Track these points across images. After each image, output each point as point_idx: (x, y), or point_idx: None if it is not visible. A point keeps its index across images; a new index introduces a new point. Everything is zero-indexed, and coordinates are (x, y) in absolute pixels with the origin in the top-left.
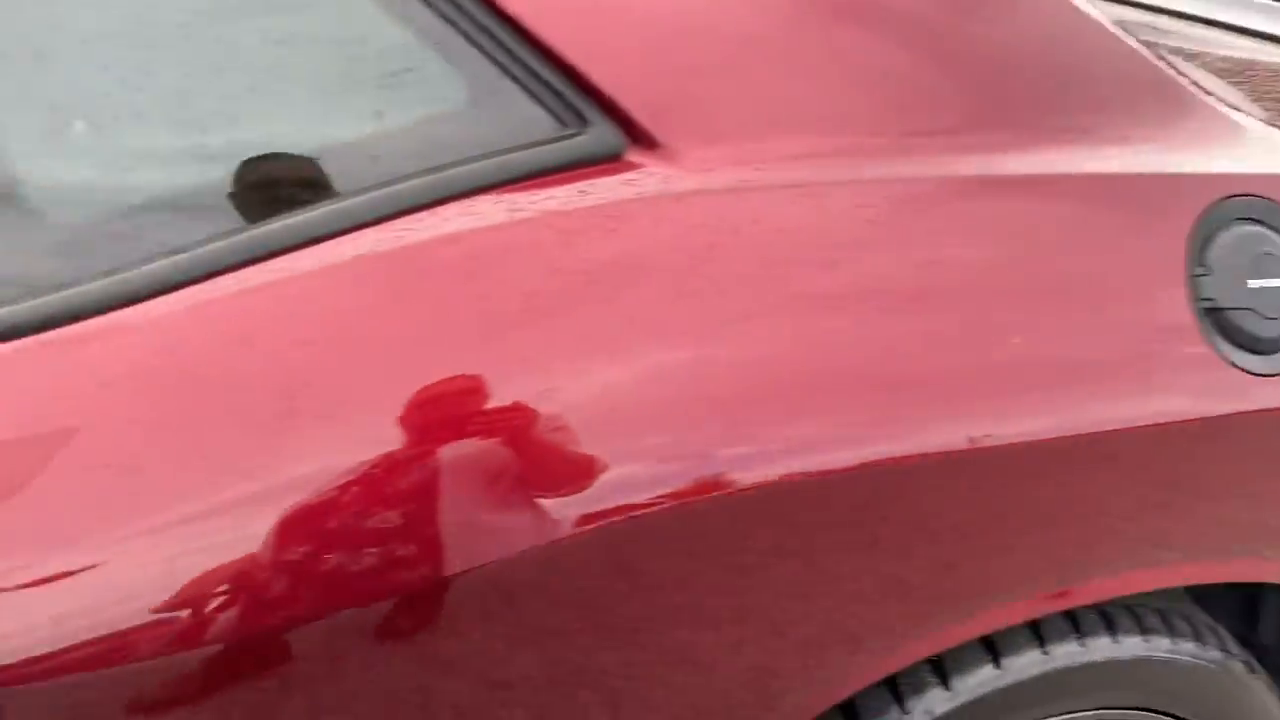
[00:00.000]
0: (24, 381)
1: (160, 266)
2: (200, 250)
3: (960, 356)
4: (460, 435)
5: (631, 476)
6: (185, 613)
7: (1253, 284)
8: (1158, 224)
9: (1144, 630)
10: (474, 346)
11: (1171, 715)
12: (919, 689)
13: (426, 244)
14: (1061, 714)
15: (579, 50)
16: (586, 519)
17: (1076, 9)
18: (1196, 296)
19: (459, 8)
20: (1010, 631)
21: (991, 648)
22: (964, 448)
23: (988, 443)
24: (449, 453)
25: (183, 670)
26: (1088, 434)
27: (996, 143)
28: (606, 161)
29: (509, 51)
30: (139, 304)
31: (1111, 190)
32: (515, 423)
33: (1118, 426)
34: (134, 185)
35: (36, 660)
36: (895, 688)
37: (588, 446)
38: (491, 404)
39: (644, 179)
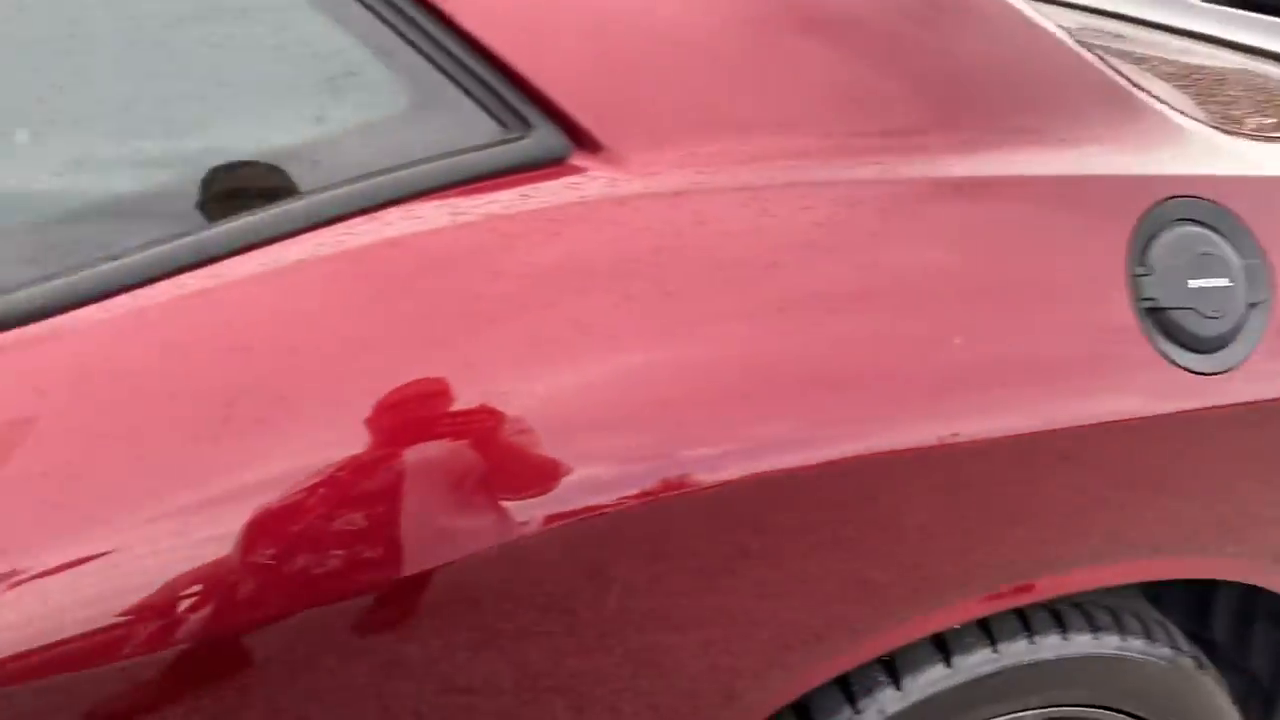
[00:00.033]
0: None
1: (98, 272)
2: (139, 256)
3: (905, 357)
4: (409, 440)
5: (579, 482)
6: (128, 620)
7: (1193, 284)
8: (1100, 225)
9: (1094, 628)
10: (417, 350)
11: (1122, 712)
12: (871, 689)
13: (368, 248)
14: (1012, 712)
15: (522, 54)
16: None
17: (1021, 14)
18: (1138, 296)
19: (400, 11)
20: (961, 630)
21: (943, 647)
22: (884, 450)
23: (924, 443)
24: (399, 457)
25: (132, 679)
26: (1031, 433)
27: (942, 145)
28: (550, 165)
29: (451, 55)
30: (77, 310)
31: (1055, 192)
32: (462, 427)
33: (1065, 425)
34: (71, 191)
35: None
36: (848, 688)
37: (538, 449)
38: (436, 408)
39: (588, 182)
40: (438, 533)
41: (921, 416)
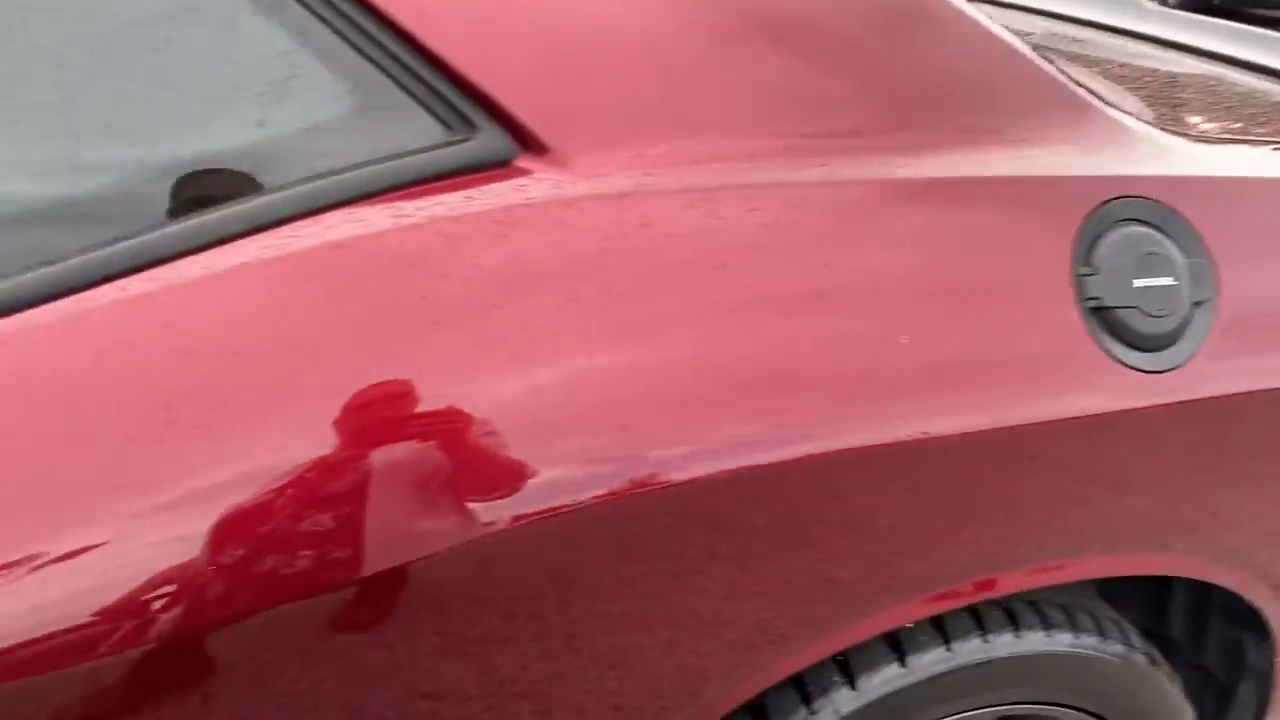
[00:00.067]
0: None
1: (35, 277)
2: (77, 260)
3: (853, 358)
4: (358, 444)
5: (536, 485)
6: (73, 626)
7: (1138, 283)
8: (1046, 226)
9: (1047, 625)
10: (363, 353)
11: (1077, 709)
12: (826, 689)
13: (311, 251)
14: (967, 710)
15: (466, 56)
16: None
17: (969, 18)
18: (1083, 296)
19: (342, 14)
20: (915, 629)
21: (897, 646)
22: (835, 449)
23: (877, 442)
24: (350, 461)
25: (78, 686)
26: (980, 431)
27: (890, 147)
28: (496, 167)
29: (394, 57)
30: (13, 315)
31: (1002, 193)
32: (408, 429)
33: (1015, 424)
34: (6, 195)
35: None
36: (803, 688)
37: (505, 451)
38: (381, 412)
39: (534, 184)
40: (391, 533)
41: (872, 417)
